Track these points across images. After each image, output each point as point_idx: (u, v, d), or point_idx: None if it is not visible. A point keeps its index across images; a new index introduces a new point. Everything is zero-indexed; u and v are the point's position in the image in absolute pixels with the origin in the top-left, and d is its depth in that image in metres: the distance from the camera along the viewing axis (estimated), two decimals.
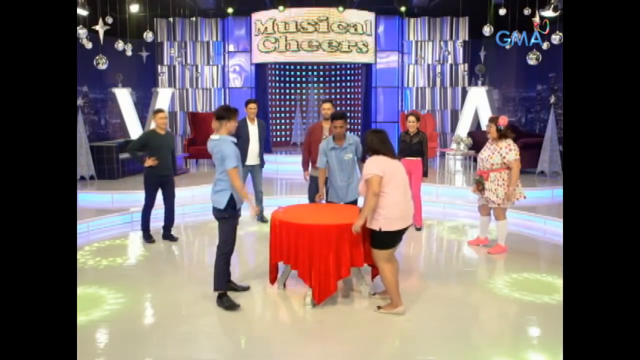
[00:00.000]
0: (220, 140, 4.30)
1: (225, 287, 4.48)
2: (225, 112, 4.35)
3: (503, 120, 5.71)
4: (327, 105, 6.12)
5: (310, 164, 6.25)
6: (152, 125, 6.35)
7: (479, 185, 5.86)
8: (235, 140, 4.38)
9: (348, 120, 13.63)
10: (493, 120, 5.82)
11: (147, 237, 6.40)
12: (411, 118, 6.58)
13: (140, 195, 8.27)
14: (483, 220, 6.17)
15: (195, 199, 8.38)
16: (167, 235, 6.47)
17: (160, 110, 6.32)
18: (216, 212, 4.40)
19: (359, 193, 5.40)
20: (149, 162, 6.09)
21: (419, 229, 6.85)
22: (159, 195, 6.40)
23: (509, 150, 5.61)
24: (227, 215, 4.34)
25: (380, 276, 4.25)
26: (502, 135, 5.68)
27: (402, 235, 4.23)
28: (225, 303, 4.39)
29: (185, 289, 5.00)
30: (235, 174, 4.25)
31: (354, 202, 5.33)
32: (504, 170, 5.68)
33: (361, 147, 5.41)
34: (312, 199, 5.86)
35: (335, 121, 5.12)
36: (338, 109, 13.41)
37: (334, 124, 5.12)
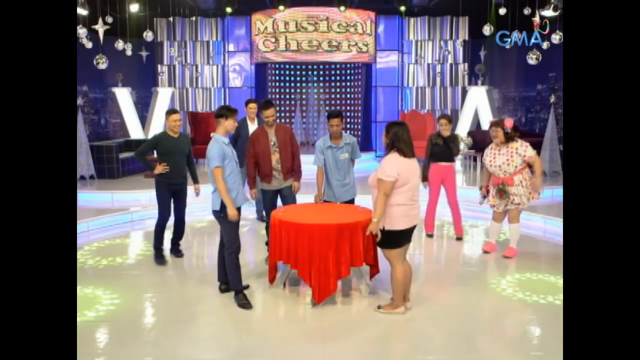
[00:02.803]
0: (212, 139, 4.34)
1: (241, 285, 4.49)
2: (224, 111, 4.38)
3: (509, 123, 5.51)
4: (270, 112, 5.23)
5: (260, 178, 5.37)
6: (163, 127, 5.80)
7: (503, 194, 5.55)
8: (227, 141, 4.40)
9: (349, 120, 13.67)
10: (499, 124, 5.56)
11: (159, 257, 5.62)
12: (443, 121, 6.23)
13: (139, 195, 8.32)
14: (496, 226, 5.93)
15: (195, 199, 8.36)
16: (175, 250, 5.83)
17: (174, 112, 5.56)
18: (214, 212, 4.42)
19: (355, 193, 5.42)
20: (159, 168, 5.40)
21: (459, 239, 6.56)
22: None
23: (526, 147, 5.47)
24: (223, 215, 4.35)
25: (390, 274, 4.22)
26: (509, 137, 5.49)
27: (410, 237, 4.18)
28: (241, 300, 4.40)
29: (185, 289, 5.00)
30: (218, 174, 4.24)
31: (351, 202, 5.32)
32: (524, 171, 5.54)
33: (358, 148, 5.39)
34: (268, 214, 5.19)
35: (332, 119, 5.09)
36: (337, 108, 13.42)
37: (330, 123, 5.10)
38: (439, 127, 6.33)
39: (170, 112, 5.58)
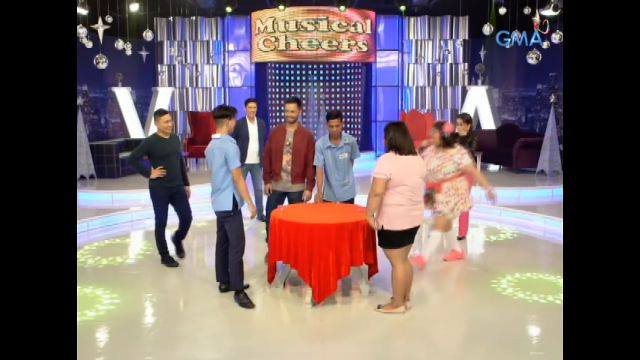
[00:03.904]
0: (222, 139, 4.31)
1: (243, 285, 4.49)
2: (227, 111, 4.37)
3: (449, 128, 5.13)
4: (292, 107, 5.17)
5: (272, 176, 5.32)
6: (155, 129, 5.44)
7: (428, 199, 5.19)
8: (235, 141, 4.40)
9: (349, 120, 13.66)
10: (438, 126, 5.20)
11: (168, 260, 5.47)
12: (459, 121, 6.09)
13: (139, 195, 8.30)
14: (447, 234, 5.62)
15: (195, 199, 8.34)
16: (177, 249, 5.70)
17: (163, 112, 5.32)
18: (221, 213, 4.41)
19: (355, 192, 5.42)
20: (156, 172, 5.18)
21: (460, 239, 6.38)
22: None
23: (462, 155, 5.13)
24: (234, 214, 4.36)
25: (391, 274, 4.22)
26: (446, 143, 5.13)
27: (412, 237, 4.18)
28: (243, 299, 4.41)
29: (185, 288, 5.00)
30: (239, 174, 4.29)
31: (351, 201, 5.31)
32: (456, 179, 5.18)
33: (357, 148, 5.39)
34: (268, 214, 5.08)
35: (331, 120, 5.09)
36: (337, 108, 13.42)
37: (329, 123, 5.10)
38: (456, 127, 6.28)
39: (161, 112, 5.31)
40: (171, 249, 5.64)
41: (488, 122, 12.52)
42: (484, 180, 5.24)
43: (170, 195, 5.37)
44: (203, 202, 7.80)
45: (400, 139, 3.99)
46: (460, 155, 5.16)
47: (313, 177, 5.30)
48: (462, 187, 5.25)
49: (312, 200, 5.45)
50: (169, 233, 5.61)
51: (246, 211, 4.50)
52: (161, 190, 5.30)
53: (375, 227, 4.11)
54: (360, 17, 12.40)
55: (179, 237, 5.69)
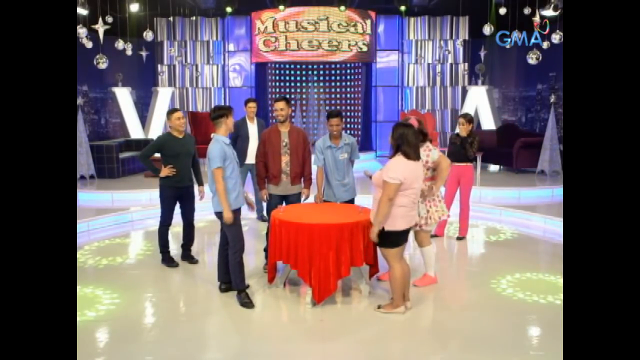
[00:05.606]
0: (214, 140, 4.32)
1: (245, 284, 4.49)
2: (223, 111, 4.36)
3: (412, 123, 4.46)
4: (280, 105, 5.00)
5: (267, 180, 5.15)
6: (163, 128, 5.59)
7: None
8: (228, 141, 4.38)
9: (349, 120, 13.65)
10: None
11: (168, 260, 5.44)
12: (461, 120, 6.08)
13: (139, 195, 8.33)
14: (425, 252, 4.90)
15: (195, 198, 8.35)
16: (187, 256, 5.58)
17: (174, 110, 5.35)
18: (217, 213, 4.42)
19: (355, 193, 5.41)
20: (165, 171, 5.18)
21: (460, 239, 6.41)
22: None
23: (430, 152, 4.73)
24: None
25: (389, 274, 4.24)
26: None
27: (407, 236, 4.20)
28: (243, 299, 4.40)
29: (186, 288, 5.00)
30: (218, 175, 4.23)
31: (351, 202, 5.31)
32: (428, 181, 4.73)
33: (357, 149, 5.38)
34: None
35: (331, 119, 5.08)
36: (337, 108, 13.43)
37: (329, 123, 5.08)
38: (458, 127, 6.27)
39: (172, 111, 5.35)
40: (172, 248, 5.64)
41: (488, 122, 12.53)
42: (445, 174, 4.77)
43: (178, 195, 5.36)
44: (203, 202, 7.79)
45: (408, 145, 3.97)
46: (427, 153, 4.72)
47: (310, 175, 5.27)
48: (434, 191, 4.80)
49: (311, 200, 5.44)
50: (171, 233, 5.60)
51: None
52: (169, 190, 5.29)
53: (375, 239, 4.09)
54: (360, 17, 12.41)
55: (186, 246, 5.62)
